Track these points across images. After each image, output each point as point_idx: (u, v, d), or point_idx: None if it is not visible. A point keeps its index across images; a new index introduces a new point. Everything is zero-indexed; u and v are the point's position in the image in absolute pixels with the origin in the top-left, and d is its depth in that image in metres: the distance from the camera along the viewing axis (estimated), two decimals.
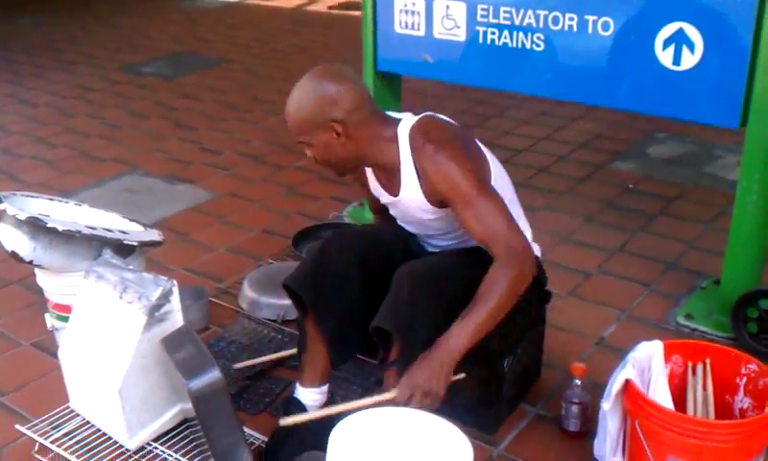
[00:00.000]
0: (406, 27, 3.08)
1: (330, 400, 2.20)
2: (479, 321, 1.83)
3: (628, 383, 1.78)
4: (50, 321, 2.55)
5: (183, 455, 2.12)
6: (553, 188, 3.83)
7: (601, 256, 3.17)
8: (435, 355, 1.84)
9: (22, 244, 2.30)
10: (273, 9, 8.56)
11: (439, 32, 3.00)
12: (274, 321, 2.74)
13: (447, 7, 2.95)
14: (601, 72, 2.66)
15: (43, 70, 6.34)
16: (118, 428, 2.13)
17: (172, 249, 3.17)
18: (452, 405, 1.86)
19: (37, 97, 5.64)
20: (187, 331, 2.02)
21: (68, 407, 2.31)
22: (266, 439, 2.15)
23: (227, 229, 3.54)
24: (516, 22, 2.79)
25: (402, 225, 2.22)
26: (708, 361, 1.90)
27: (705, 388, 1.87)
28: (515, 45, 2.82)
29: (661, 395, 1.83)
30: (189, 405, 1.97)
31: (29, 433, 2.20)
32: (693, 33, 2.41)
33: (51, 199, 2.60)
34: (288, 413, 2.12)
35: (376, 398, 1.85)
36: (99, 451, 2.14)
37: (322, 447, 1.95)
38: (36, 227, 2.25)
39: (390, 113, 2.11)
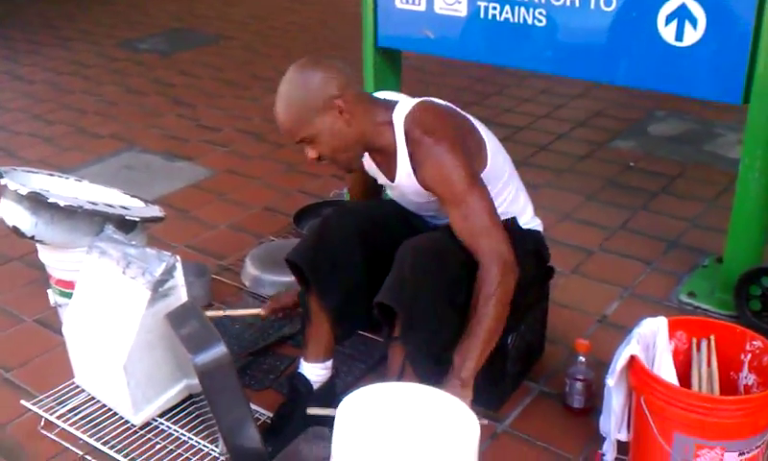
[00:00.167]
0: (407, 2, 3.05)
1: (335, 376, 2.20)
2: (483, 340, 1.85)
3: (633, 359, 1.78)
4: (53, 297, 2.55)
5: (189, 431, 2.13)
6: (554, 166, 3.82)
7: (603, 234, 3.17)
8: (451, 391, 1.77)
9: (24, 219, 2.29)
10: None
11: (440, 7, 2.98)
12: None
13: None
14: (603, 48, 2.64)
15: (39, 47, 6.29)
16: (123, 404, 2.13)
17: (172, 226, 3.16)
18: None
19: (34, 74, 5.60)
20: (192, 307, 2.02)
21: (73, 383, 2.32)
22: (271, 415, 2.16)
23: (227, 206, 3.53)
24: None
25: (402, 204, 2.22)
26: (712, 338, 1.90)
27: (709, 365, 1.87)
28: (516, 20, 2.80)
29: (666, 371, 1.84)
30: (194, 381, 1.97)
31: (34, 409, 2.21)
32: (696, 8, 2.39)
33: (51, 174, 2.59)
34: (293, 388, 2.13)
35: None
36: (104, 427, 2.16)
37: (326, 422, 1.97)
38: (37, 202, 2.24)
39: (384, 96, 2.09)
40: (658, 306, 2.66)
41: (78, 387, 2.30)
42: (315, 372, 2.13)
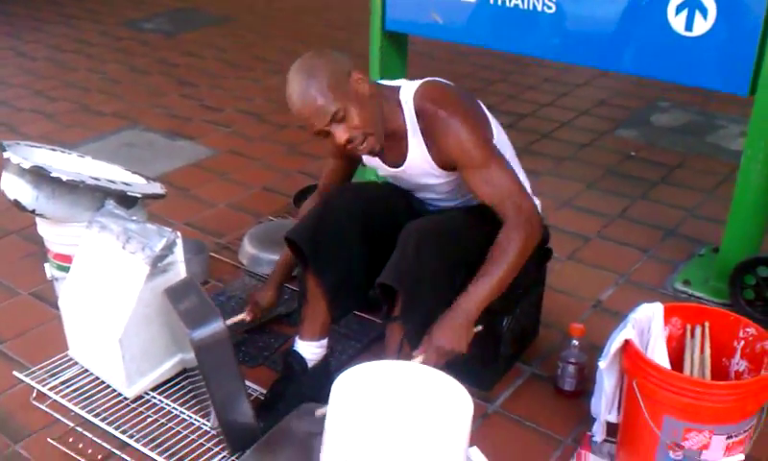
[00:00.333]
0: None
1: (329, 355, 2.21)
2: (494, 281, 1.87)
3: (627, 343, 1.79)
4: (50, 271, 2.55)
5: (181, 405, 2.14)
6: (555, 154, 3.82)
7: (601, 222, 3.18)
8: (454, 316, 1.87)
9: (25, 193, 2.29)
10: None
11: None
12: None
13: None
14: (612, 36, 2.63)
15: (43, 24, 6.29)
16: (117, 377, 2.14)
17: (172, 203, 3.17)
18: (449, 362, 1.88)
19: (36, 51, 5.60)
20: (191, 282, 2.03)
21: (67, 355, 2.33)
22: (264, 391, 2.17)
23: (227, 185, 3.54)
24: None
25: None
26: (706, 324, 1.91)
27: (702, 351, 1.88)
28: (525, 7, 2.79)
29: (659, 356, 1.85)
30: (189, 356, 1.99)
31: (27, 380, 2.23)
32: None
33: (53, 149, 2.59)
34: (288, 366, 2.14)
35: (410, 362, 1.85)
36: (97, 399, 2.17)
37: (320, 399, 1.98)
38: (39, 176, 2.24)
39: (383, 82, 2.09)
40: (652, 293, 2.67)
41: (71, 360, 2.31)
42: (310, 350, 2.14)
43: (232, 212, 3.28)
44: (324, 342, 2.17)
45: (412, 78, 2.09)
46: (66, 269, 2.38)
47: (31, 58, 5.45)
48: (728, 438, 1.68)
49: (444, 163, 1.99)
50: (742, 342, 1.86)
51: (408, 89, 2.00)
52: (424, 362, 1.83)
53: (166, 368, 2.20)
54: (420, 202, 2.23)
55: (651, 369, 1.72)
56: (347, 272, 2.09)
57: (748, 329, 1.85)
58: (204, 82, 4.92)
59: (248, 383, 2.13)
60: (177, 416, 2.10)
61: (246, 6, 6.81)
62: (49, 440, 2.02)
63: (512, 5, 2.81)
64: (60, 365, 2.29)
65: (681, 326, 1.95)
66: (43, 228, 2.47)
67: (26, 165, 2.23)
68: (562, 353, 2.20)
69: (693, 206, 3.29)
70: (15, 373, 2.26)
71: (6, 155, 2.28)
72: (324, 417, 1.62)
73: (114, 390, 2.18)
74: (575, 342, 2.17)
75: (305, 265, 2.12)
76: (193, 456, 1.96)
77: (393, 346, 1.98)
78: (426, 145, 1.98)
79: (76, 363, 2.29)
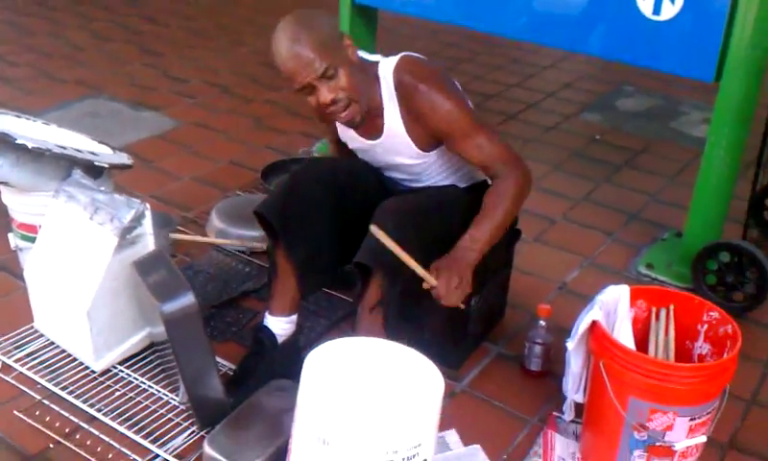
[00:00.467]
0: None
1: (298, 332, 2.21)
2: (494, 224, 1.96)
3: (594, 324, 1.82)
4: (13, 241, 2.51)
5: (149, 379, 2.13)
6: (522, 135, 3.85)
7: (567, 204, 3.22)
8: (460, 254, 1.93)
9: None
10: None
11: None
12: (242, 252, 2.73)
13: None
14: (580, 17, 2.66)
15: None
16: (84, 350, 2.12)
17: (137, 175, 3.12)
18: (418, 340, 1.89)
19: None
20: (161, 255, 2.01)
21: (32, 327, 2.29)
22: (233, 366, 2.16)
23: (193, 158, 3.50)
24: None
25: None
26: (671, 307, 1.95)
27: (667, 333, 1.92)
28: None
29: (625, 338, 1.88)
30: (157, 330, 1.97)
31: None
32: None
33: (18, 116, 2.53)
34: (257, 341, 2.14)
35: (423, 272, 1.89)
36: (63, 372, 2.14)
37: (289, 375, 1.98)
38: (4, 143, 2.19)
39: (363, 55, 2.08)
40: (616, 276, 2.72)
41: (37, 332, 2.28)
42: (280, 325, 2.14)
43: (199, 186, 3.25)
44: (294, 318, 2.17)
45: (383, 54, 2.09)
46: (31, 239, 2.34)
47: None
48: (691, 420, 1.72)
49: (423, 140, 2.00)
50: (706, 326, 1.91)
51: (387, 65, 2.00)
52: (439, 285, 1.88)
53: (134, 342, 2.18)
54: (391, 181, 2.24)
55: (618, 350, 1.76)
56: (317, 247, 2.09)
57: (711, 313, 1.90)
58: (167, 50, 4.84)
59: (216, 358, 2.12)
60: (145, 390, 2.09)
61: None
62: (15, 412, 2.00)
63: None
64: (26, 337, 2.26)
65: (646, 308, 1.99)
66: (7, 196, 2.42)
67: None
68: (528, 333, 2.23)
69: (656, 191, 3.35)
70: None
71: None
72: None
73: (81, 363, 2.16)
74: (542, 322, 2.21)
75: (275, 240, 2.11)
76: (162, 431, 1.95)
77: (366, 332, 1.95)
78: (404, 121, 1.98)
79: (41, 335, 2.26)
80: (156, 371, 2.16)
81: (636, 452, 1.78)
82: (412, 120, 1.98)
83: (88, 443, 1.92)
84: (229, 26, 5.31)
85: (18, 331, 2.27)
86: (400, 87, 1.96)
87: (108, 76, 4.40)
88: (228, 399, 1.93)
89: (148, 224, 2.09)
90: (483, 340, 2.37)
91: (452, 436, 1.98)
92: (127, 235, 2.04)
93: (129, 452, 1.89)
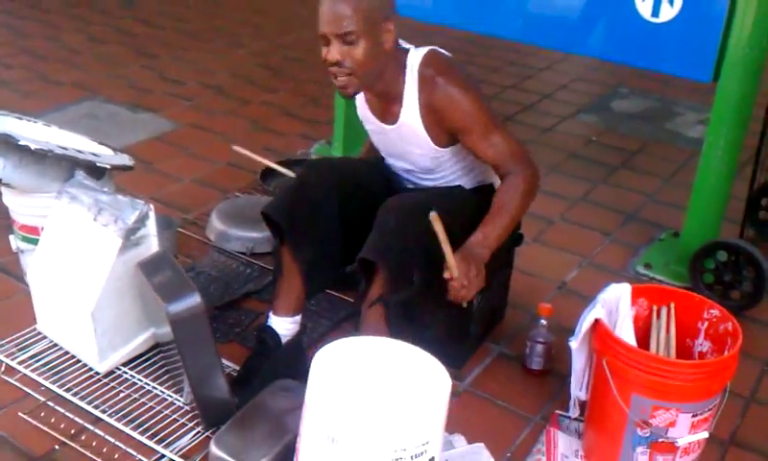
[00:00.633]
0: None
1: (302, 332, 2.22)
2: (505, 223, 2.00)
3: (597, 322, 1.84)
4: (15, 242, 2.50)
5: (153, 380, 2.13)
6: (519, 137, 3.77)
7: (564, 205, 3.24)
8: (473, 250, 1.95)
9: None
10: None
11: None
12: (242, 254, 2.74)
13: None
14: (579, 19, 2.68)
15: None
16: (89, 351, 2.12)
17: (137, 177, 3.10)
18: (421, 340, 1.90)
19: None
20: (165, 256, 2.01)
21: (35, 329, 2.29)
22: (236, 367, 2.17)
23: (192, 160, 3.50)
24: None
25: (386, 157, 2.24)
26: (672, 305, 1.97)
27: (668, 331, 1.94)
28: None
29: (627, 335, 1.90)
30: (162, 330, 1.98)
31: None
32: None
33: (20, 118, 2.53)
34: (261, 341, 2.14)
35: (452, 260, 1.89)
36: (67, 374, 2.14)
37: (294, 375, 1.99)
38: (6, 144, 2.19)
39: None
40: (615, 276, 2.73)
41: (40, 334, 2.28)
42: (284, 326, 2.15)
43: (198, 187, 3.26)
44: (298, 318, 2.18)
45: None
46: (33, 241, 2.34)
47: None
48: (693, 416, 1.74)
49: (438, 135, 2.03)
50: (706, 323, 1.93)
51: (415, 55, 2.03)
52: (459, 274, 1.88)
53: (138, 342, 2.18)
54: (398, 181, 2.25)
55: (621, 348, 1.78)
56: (323, 247, 2.10)
57: (712, 311, 1.92)
58: (164, 53, 4.85)
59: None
60: (150, 391, 2.09)
61: None
62: (20, 414, 2.00)
63: None
64: (29, 339, 2.26)
65: (647, 306, 2.01)
66: (8, 198, 2.42)
67: None
68: (530, 333, 2.25)
69: (653, 192, 3.37)
70: None
71: None
72: None
73: (85, 364, 2.16)
74: (543, 321, 2.22)
75: (281, 240, 2.12)
76: (167, 431, 1.95)
77: (370, 330, 1.97)
78: (421, 113, 2.01)
79: (44, 337, 2.26)
80: (161, 372, 2.16)
81: (639, 449, 1.80)
82: (429, 113, 2.01)
83: (94, 444, 1.92)
84: (225, 28, 5.32)
85: (21, 333, 2.27)
86: (422, 79, 1.99)
87: (103, 78, 4.40)
88: (233, 399, 1.94)
89: (152, 225, 2.10)
90: (484, 340, 2.39)
91: (460, 441, 1.99)
92: (131, 236, 2.05)
93: (134, 453, 1.90)
